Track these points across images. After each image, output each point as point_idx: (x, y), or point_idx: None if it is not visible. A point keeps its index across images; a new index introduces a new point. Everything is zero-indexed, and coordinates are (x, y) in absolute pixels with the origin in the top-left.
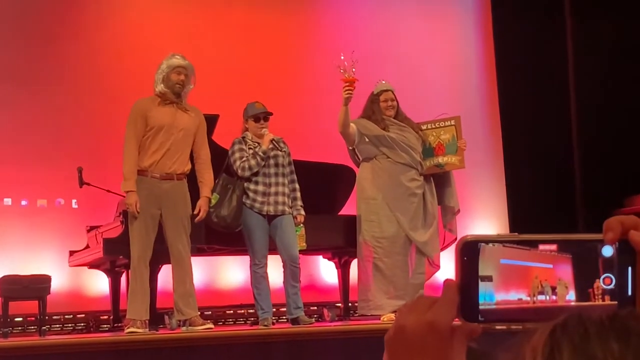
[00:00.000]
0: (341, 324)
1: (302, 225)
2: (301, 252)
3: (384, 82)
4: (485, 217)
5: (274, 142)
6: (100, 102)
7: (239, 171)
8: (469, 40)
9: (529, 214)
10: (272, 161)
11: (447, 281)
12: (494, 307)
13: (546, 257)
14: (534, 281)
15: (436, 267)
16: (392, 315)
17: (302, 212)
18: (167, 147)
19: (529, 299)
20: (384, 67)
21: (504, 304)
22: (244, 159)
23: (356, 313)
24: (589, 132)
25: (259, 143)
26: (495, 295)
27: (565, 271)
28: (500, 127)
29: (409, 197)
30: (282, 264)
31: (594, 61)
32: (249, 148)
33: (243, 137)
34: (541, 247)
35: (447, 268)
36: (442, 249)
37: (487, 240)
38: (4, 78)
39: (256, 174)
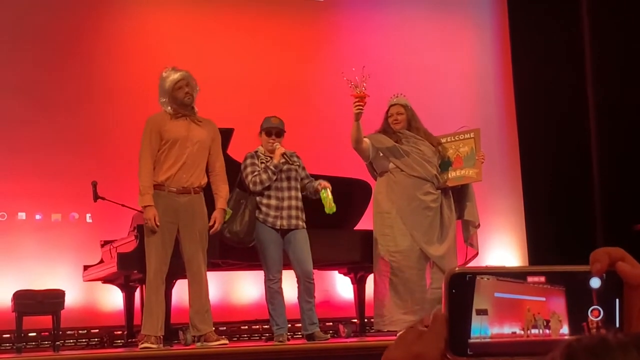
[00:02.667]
0: (357, 340)
1: (326, 188)
2: (317, 266)
3: (396, 96)
4: (502, 230)
5: (285, 155)
6: (115, 117)
7: (251, 186)
8: (485, 51)
9: (547, 227)
10: (284, 175)
11: (435, 313)
12: (488, 340)
13: (539, 291)
14: (527, 314)
15: None
16: None
17: (322, 181)
18: (182, 161)
19: (522, 332)
20: (399, 79)
21: (498, 338)
22: (255, 173)
23: (372, 329)
24: (609, 142)
25: (271, 157)
26: (490, 328)
27: (559, 304)
28: (517, 138)
29: (423, 211)
30: (296, 279)
31: (613, 70)
32: (261, 162)
33: (255, 152)
34: (530, 279)
35: None
36: (464, 264)
37: (475, 272)
38: (19, 93)
39: (268, 188)
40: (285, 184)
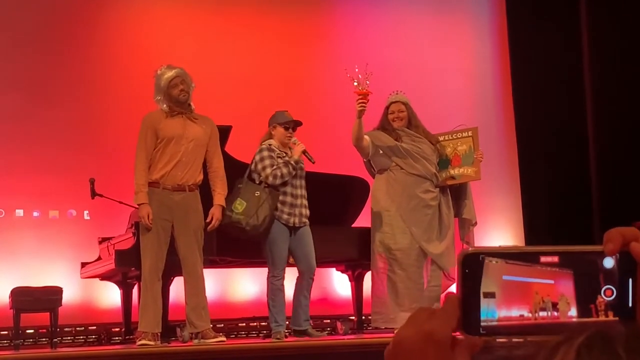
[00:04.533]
0: (354, 337)
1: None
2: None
3: (396, 93)
4: (500, 228)
5: (306, 154)
6: (112, 113)
7: (270, 178)
8: (484, 49)
9: (544, 225)
10: (298, 172)
11: (448, 294)
12: (496, 323)
13: (547, 273)
14: (535, 297)
15: (452, 279)
16: None
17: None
18: (177, 159)
19: (530, 315)
20: (398, 77)
21: (506, 320)
22: (275, 167)
23: (370, 326)
24: (607, 141)
25: (286, 152)
26: (497, 311)
27: (567, 287)
28: (515, 135)
29: (422, 209)
30: (296, 275)
31: (611, 70)
32: (277, 156)
33: (269, 145)
34: (542, 259)
35: None
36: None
37: (488, 252)
38: (16, 89)
39: (284, 184)
40: (298, 182)
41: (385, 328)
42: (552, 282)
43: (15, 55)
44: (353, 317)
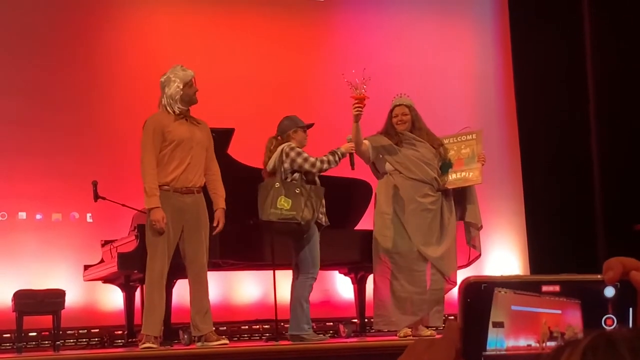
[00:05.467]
0: (357, 340)
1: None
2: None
3: (399, 96)
4: (503, 230)
5: (351, 155)
6: (115, 117)
7: (318, 164)
8: (486, 52)
9: (547, 228)
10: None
11: (449, 322)
12: (503, 353)
13: (555, 303)
14: (543, 327)
15: (452, 283)
16: (408, 331)
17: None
18: (187, 162)
19: (537, 345)
20: (400, 79)
21: (513, 350)
22: (314, 157)
23: (372, 329)
24: (610, 143)
25: None
26: (505, 341)
27: (574, 316)
28: (518, 138)
29: (421, 213)
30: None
31: (614, 71)
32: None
33: (291, 146)
34: (544, 288)
35: None
36: (466, 266)
37: (490, 282)
38: (18, 93)
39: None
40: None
41: (388, 331)
42: (559, 312)
43: (18, 60)
44: (356, 320)
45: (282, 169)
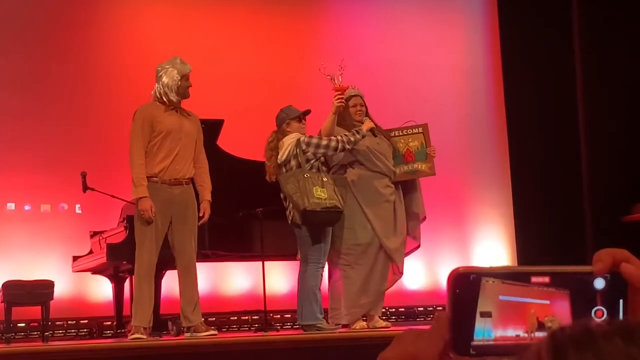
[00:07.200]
0: (345, 331)
1: None
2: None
3: (352, 88)
4: (491, 221)
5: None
6: (103, 108)
7: (340, 145)
8: (475, 47)
9: (535, 220)
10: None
11: (437, 313)
12: (492, 343)
13: (543, 294)
14: (531, 317)
15: (399, 274)
16: (364, 323)
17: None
18: (175, 153)
19: (526, 335)
20: (391, 74)
21: (502, 340)
22: (332, 138)
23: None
24: (597, 136)
25: None
26: (493, 331)
27: (563, 307)
28: (507, 133)
29: (383, 204)
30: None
31: (603, 67)
32: (302, 151)
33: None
34: (534, 279)
35: (408, 275)
36: (405, 255)
37: (479, 273)
38: (8, 85)
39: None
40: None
41: (343, 325)
42: (548, 302)
43: (6, 52)
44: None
45: (302, 160)
